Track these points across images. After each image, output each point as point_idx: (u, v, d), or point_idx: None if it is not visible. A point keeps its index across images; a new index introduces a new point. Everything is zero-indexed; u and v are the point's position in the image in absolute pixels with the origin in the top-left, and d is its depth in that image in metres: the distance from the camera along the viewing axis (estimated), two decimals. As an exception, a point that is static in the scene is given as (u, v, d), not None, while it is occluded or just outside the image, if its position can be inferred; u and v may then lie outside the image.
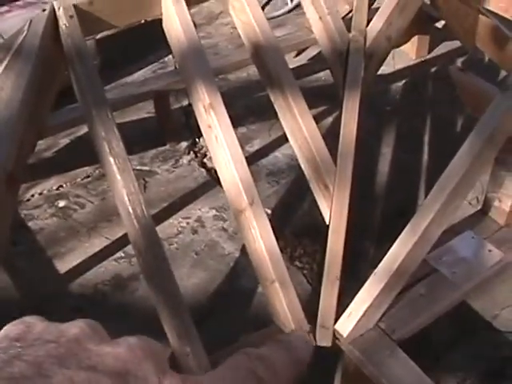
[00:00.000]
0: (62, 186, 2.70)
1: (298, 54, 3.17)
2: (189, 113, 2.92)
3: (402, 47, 3.32)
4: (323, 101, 2.97)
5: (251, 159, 2.68)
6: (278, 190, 2.60)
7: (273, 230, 1.36)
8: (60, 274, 2.26)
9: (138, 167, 2.76)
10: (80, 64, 1.43)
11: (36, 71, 1.40)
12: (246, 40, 1.68)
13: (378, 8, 1.92)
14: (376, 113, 2.97)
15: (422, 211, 1.41)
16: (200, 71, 1.50)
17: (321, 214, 1.50)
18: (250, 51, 1.69)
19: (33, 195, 2.64)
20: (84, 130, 2.74)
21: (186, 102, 3.03)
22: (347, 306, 1.38)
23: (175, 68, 3.27)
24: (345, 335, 1.36)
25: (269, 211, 2.41)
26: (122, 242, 2.30)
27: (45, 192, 2.66)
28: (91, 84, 1.41)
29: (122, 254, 2.31)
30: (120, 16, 1.62)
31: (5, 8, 3.09)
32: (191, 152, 2.87)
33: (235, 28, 1.74)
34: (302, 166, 1.56)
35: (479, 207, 1.88)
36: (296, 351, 0.47)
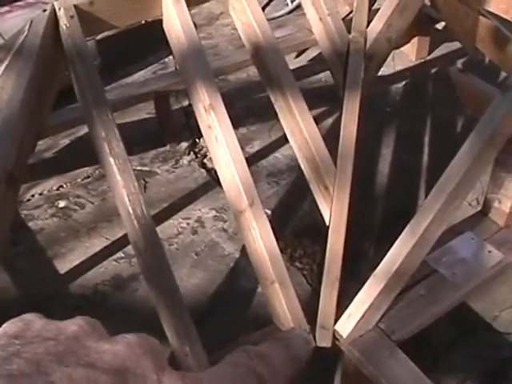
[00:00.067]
0: (62, 187, 2.70)
1: (298, 55, 3.17)
2: (189, 113, 2.93)
3: (402, 48, 3.33)
4: (323, 102, 2.97)
5: (251, 160, 2.69)
6: (278, 190, 2.60)
7: (273, 230, 1.36)
8: (60, 274, 2.26)
9: (138, 168, 2.76)
10: (80, 64, 1.43)
11: (36, 71, 1.40)
12: (247, 41, 1.68)
13: (379, 9, 1.92)
14: (376, 114, 2.97)
15: (421, 212, 1.41)
16: (200, 72, 1.50)
17: (321, 214, 1.50)
18: (250, 52, 1.69)
19: (33, 195, 2.64)
20: (84, 130, 2.74)
21: (186, 103, 3.04)
22: (347, 307, 1.38)
23: (175, 69, 3.27)
24: (345, 336, 1.36)
25: (269, 212, 2.41)
26: (122, 242, 2.30)
27: (45, 192, 2.66)
28: (91, 84, 1.41)
29: (122, 255, 2.31)
30: (120, 16, 1.62)
31: (5, 8, 3.09)
32: (191, 152, 2.87)
33: (235, 29, 1.74)
34: (302, 167, 1.56)
35: (479, 208, 1.88)
36: (295, 349, 0.47)
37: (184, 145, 2.91)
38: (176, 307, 1.20)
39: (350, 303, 1.38)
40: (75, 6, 1.51)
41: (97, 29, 1.64)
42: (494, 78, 2.73)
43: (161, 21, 1.65)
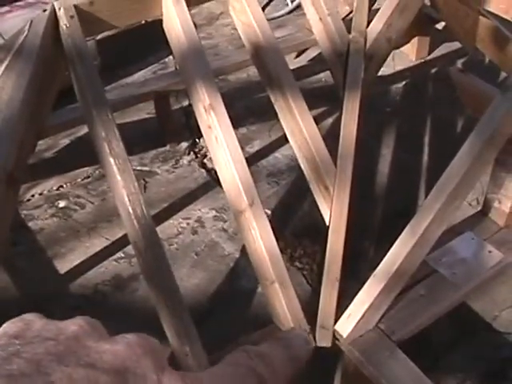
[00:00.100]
0: (62, 187, 2.70)
1: (298, 55, 3.17)
2: (189, 113, 2.93)
3: (402, 48, 3.33)
4: (323, 102, 2.97)
5: (251, 160, 2.69)
6: (278, 190, 2.60)
7: (273, 230, 1.36)
8: (60, 274, 2.26)
9: (138, 168, 2.76)
10: (80, 64, 1.43)
11: (37, 71, 1.40)
12: (247, 41, 1.68)
13: (379, 9, 1.92)
14: (376, 114, 2.97)
15: (421, 212, 1.41)
16: (200, 72, 1.50)
17: (321, 214, 1.50)
18: (250, 52, 1.69)
19: (33, 195, 2.64)
20: (84, 130, 2.74)
21: (186, 103, 3.04)
22: (347, 307, 1.38)
23: (175, 69, 3.27)
24: (344, 336, 1.36)
25: (269, 212, 2.41)
26: (122, 242, 2.30)
27: (45, 192, 2.66)
28: (91, 84, 1.41)
29: (122, 255, 2.31)
30: (120, 16, 1.62)
31: (5, 8, 3.09)
32: (191, 152, 2.87)
33: (235, 29, 1.74)
34: (302, 167, 1.56)
35: (479, 208, 1.88)
36: (295, 349, 0.47)
37: (184, 145, 2.91)
38: (176, 307, 1.20)
39: (350, 303, 1.38)
40: (75, 6, 1.51)
41: (97, 29, 1.64)
42: (494, 78, 2.73)
43: (161, 21, 1.65)
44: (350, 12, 2.38)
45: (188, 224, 2.46)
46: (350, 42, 1.80)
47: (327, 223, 1.46)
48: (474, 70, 2.44)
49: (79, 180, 2.73)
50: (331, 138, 1.62)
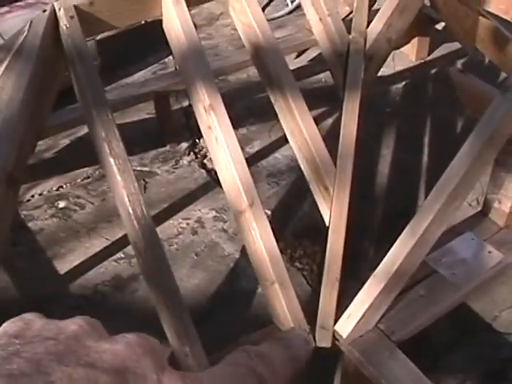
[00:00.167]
0: (62, 187, 2.70)
1: (298, 56, 3.17)
2: (189, 114, 2.93)
3: (402, 49, 3.33)
4: (323, 102, 2.97)
5: (251, 160, 2.69)
6: (278, 191, 2.60)
7: (273, 231, 1.36)
8: (60, 274, 2.26)
9: (138, 168, 2.76)
10: (80, 65, 1.43)
11: (36, 71, 1.40)
12: (247, 41, 1.68)
13: (378, 9, 1.92)
14: (376, 114, 2.97)
15: (421, 212, 1.41)
16: (200, 72, 1.50)
17: (321, 215, 1.50)
18: (250, 52, 1.69)
19: (33, 196, 2.64)
20: (84, 130, 2.74)
21: (186, 103, 3.04)
22: (347, 307, 1.38)
23: (175, 69, 3.27)
24: (344, 336, 1.36)
25: (269, 212, 2.41)
26: (122, 242, 2.30)
27: (45, 193, 2.66)
28: (91, 85, 1.41)
29: (122, 255, 2.31)
30: (120, 17, 1.62)
31: (5, 9, 3.09)
32: (191, 153, 2.87)
33: (235, 29, 1.74)
34: (302, 167, 1.56)
35: (479, 208, 1.88)
36: (295, 349, 0.47)
37: (184, 145, 2.91)
38: (176, 307, 1.20)
39: (349, 303, 1.38)
40: (75, 7, 1.51)
41: (97, 29, 1.64)
42: (493, 78, 2.73)
43: (161, 21, 1.65)
44: (350, 12, 2.38)
45: (188, 224, 2.46)
46: (350, 43, 1.80)
47: (327, 223, 1.46)
48: (474, 70, 2.44)
49: (79, 180, 2.73)
50: (331, 139, 1.62)
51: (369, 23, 1.88)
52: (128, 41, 3.41)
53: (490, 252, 1.69)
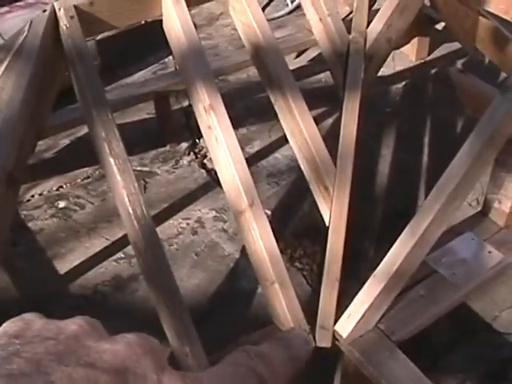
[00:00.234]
0: (62, 187, 2.70)
1: (298, 56, 3.17)
2: (189, 114, 2.93)
3: (402, 49, 3.33)
4: (323, 102, 2.97)
5: (251, 160, 2.69)
6: (278, 191, 2.60)
7: (273, 231, 1.36)
8: (60, 274, 2.26)
9: (138, 168, 2.76)
10: (80, 65, 1.43)
11: (36, 71, 1.40)
12: (247, 41, 1.68)
13: (378, 9, 1.92)
14: (376, 114, 2.97)
15: (421, 212, 1.41)
16: (200, 72, 1.50)
17: (321, 215, 1.50)
18: (250, 52, 1.69)
19: (33, 196, 2.64)
20: (84, 130, 2.74)
21: (186, 103, 3.04)
22: (347, 307, 1.38)
23: (175, 69, 3.27)
24: (344, 336, 1.36)
25: (269, 212, 2.41)
26: (122, 242, 2.30)
27: (45, 193, 2.66)
28: (91, 85, 1.41)
29: (122, 255, 2.31)
30: (120, 17, 1.62)
31: (5, 9, 3.09)
32: (191, 153, 2.87)
33: (235, 29, 1.74)
34: (302, 167, 1.56)
35: (479, 208, 1.88)
36: (295, 349, 0.47)
37: (184, 145, 2.91)
38: (176, 307, 1.20)
39: (349, 303, 1.38)
40: (75, 7, 1.51)
41: (97, 29, 1.64)
42: (493, 78, 2.73)
43: (161, 21, 1.65)
44: (350, 12, 2.38)
45: (188, 224, 2.46)
46: (350, 43, 1.80)
47: (327, 223, 1.46)
48: (474, 70, 2.44)
49: (79, 180, 2.73)
50: (331, 139, 1.62)
51: (369, 23, 1.88)
52: (128, 41, 3.41)
53: (490, 252, 1.69)
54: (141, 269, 1.29)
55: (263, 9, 3.73)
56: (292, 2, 4.17)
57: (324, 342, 1.35)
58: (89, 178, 2.74)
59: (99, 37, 2.98)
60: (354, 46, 1.79)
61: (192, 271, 2.24)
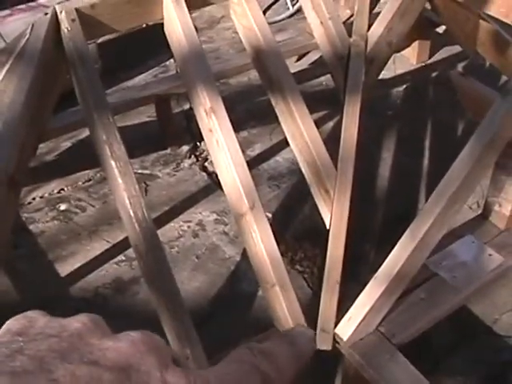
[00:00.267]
0: (63, 190, 2.70)
1: (299, 59, 3.17)
2: (190, 117, 2.93)
3: (403, 52, 3.33)
4: (324, 105, 2.97)
5: (252, 163, 2.69)
6: (279, 194, 2.60)
7: (273, 233, 1.36)
8: (61, 276, 2.26)
9: (139, 171, 2.76)
10: (82, 67, 1.44)
11: (38, 74, 1.40)
12: (248, 44, 1.69)
13: (379, 13, 1.92)
14: (377, 117, 2.97)
15: (422, 215, 1.41)
16: (201, 75, 1.51)
17: (321, 218, 1.50)
18: (251, 56, 1.69)
19: (34, 198, 2.64)
20: (85, 133, 2.74)
21: (187, 106, 3.04)
22: (347, 310, 1.39)
23: (176, 72, 3.27)
24: (345, 339, 1.36)
25: (269, 215, 2.41)
26: (123, 245, 2.30)
27: (46, 195, 2.66)
28: (93, 87, 1.42)
29: (123, 258, 2.31)
30: (122, 20, 1.63)
31: (7, 11, 3.09)
32: (192, 156, 2.87)
33: (237, 32, 1.75)
34: (303, 170, 1.56)
35: (479, 212, 1.89)
36: (299, 346, 0.47)
37: (185, 148, 2.91)
38: (177, 310, 1.21)
39: (350, 306, 1.39)
40: (76, 10, 1.52)
41: (98, 32, 1.65)
42: (494, 81, 2.73)
43: (162, 24, 1.66)
44: (351, 16, 2.38)
45: (189, 227, 2.46)
46: (351, 46, 1.81)
47: (328, 226, 1.46)
48: (475, 73, 2.44)
49: (80, 183, 2.73)
50: (332, 142, 1.62)
51: (370, 26, 1.89)
52: (129, 44, 3.42)
53: (490, 255, 1.69)
54: (142, 271, 1.29)
55: (264, 12, 3.73)
56: (293, 6, 4.18)
57: (324, 344, 1.35)
58: (90, 180, 2.74)
59: (100, 40, 2.98)
60: (354, 49, 1.79)
61: (193, 274, 2.24)
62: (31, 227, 2.49)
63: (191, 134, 2.94)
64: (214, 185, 2.63)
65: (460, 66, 3.38)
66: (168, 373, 0.36)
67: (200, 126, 1.50)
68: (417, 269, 1.43)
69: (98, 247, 2.38)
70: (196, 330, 1.19)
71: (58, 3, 1.53)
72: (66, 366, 0.33)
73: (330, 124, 2.93)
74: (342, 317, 1.38)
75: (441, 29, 3.23)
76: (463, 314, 1.90)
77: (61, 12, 1.50)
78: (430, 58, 3.52)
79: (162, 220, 2.47)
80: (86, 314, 0.39)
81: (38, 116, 1.45)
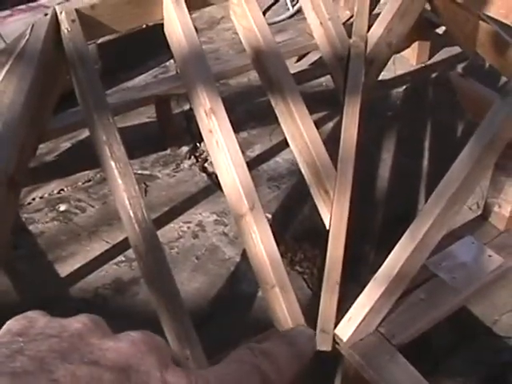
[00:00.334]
0: (63, 190, 2.70)
1: (299, 60, 3.17)
2: (190, 117, 2.93)
3: (403, 53, 3.33)
4: (324, 106, 2.97)
5: (252, 164, 2.69)
6: (279, 194, 2.60)
7: (273, 234, 1.36)
8: (61, 277, 2.26)
9: (139, 171, 2.76)
10: (82, 68, 1.44)
11: (38, 75, 1.40)
12: (247, 45, 1.69)
13: (379, 14, 1.92)
14: (377, 118, 2.97)
15: (421, 216, 1.41)
16: (201, 76, 1.51)
17: (321, 218, 1.50)
18: (251, 56, 1.69)
19: (34, 199, 2.64)
20: (85, 133, 2.74)
21: (187, 107, 3.04)
22: (347, 311, 1.39)
23: (176, 73, 3.27)
24: (345, 340, 1.36)
25: (269, 216, 2.41)
26: (123, 245, 2.30)
27: (46, 196, 2.66)
28: (92, 88, 1.42)
29: (123, 258, 2.31)
30: (122, 21, 1.63)
31: (7, 12, 3.09)
32: (192, 157, 2.87)
33: (236, 33, 1.75)
34: (303, 171, 1.56)
35: (479, 212, 1.89)
36: (299, 346, 0.47)
37: (185, 149, 2.91)
38: (177, 311, 1.21)
39: (350, 307, 1.39)
40: (76, 10, 1.52)
41: (98, 33, 1.65)
42: (494, 82, 2.73)
43: (162, 25, 1.66)
44: (351, 17, 2.39)
45: (189, 228, 2.46)
46: (351, 47, 1.81)
47: (327, 227, 1.46)
48: (475, 74, 2.44)
49: (80, 183, 2.73)
50: (332, 142, 1.62)
51: (369, 27, 1.89)
52: (129, 44, 3.41)
53: (490, 256, 1.69)
54: (141, 272, 1.29)
55: (264, 13, 3.73)
56: (293, 6, 4.18)
57: (324, 345, 1.36)
58: (90, 181, 2.74)
59: (100, 40, 2.98)
60: (354, 50, 1.79)
61: (193, 275, 2.24)
62: (31, 228, 2.49)
63: (191, 134, 2.94)
64: (213, 185, 2.63)
65: (460, 67, 3.38)
66: (168, 373, 0.36)
67: (200, 127, 1.50)
68: (416, 269, 1.43)
69: (97, 248, 2.38)
70: (196, 330, 1.19)
71: (58, 4, 1.53)
72: (66, 366, 0.33)
73: (330, 125, 2.93)
74: (342, 317, 1.38)
75: (440, 30, 3.23)
76: (463, 314, 1.90)
77: (61, 13, 1.50)
78: (429, 59, 3.52)
79: (162, 221, 2.47)
80: (86, 314, 0.39)
81: (37, 117, 1.45)
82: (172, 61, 3.48)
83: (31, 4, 3.17)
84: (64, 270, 2.29)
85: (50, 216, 2.55)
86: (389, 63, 2.02)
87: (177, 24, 1.56)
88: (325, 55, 1.86)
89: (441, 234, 1.43)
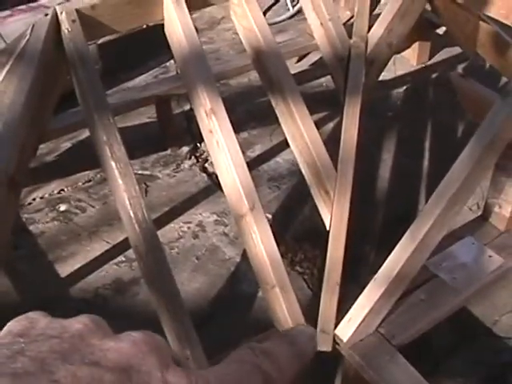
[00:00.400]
0: (63, 190, 2.70)
1: (299, 60, 3.18)
2: (190, 118, 2.93)
3: (403, 53, 3.33)
4: (324, 106, 2.97)
5: (252, 164, 2.69)
6: (279, 195, 2.60)
7: (273, 234, 1.36)
8: (61, 277, 2.26)
9: (140, 172, 2.76)
10: (82, 68, 1.44)
11: (38, 75, 1.40)
12: (248, 45, 1.69)
13: (380, 14, 1.92)
14: (377, 118, 2.97)
15: (422, 217, 1.41)
16: (201, 76, 1.51)
17: (321, 219, 1.50)
18: (251, 57, 1.69)
19: (34, 199, 2.64)
20: (86, 134, 2.74)
21: (187, 107, 3.04)
22: (347, 311, 1.39)
23: (177, 73, 3.27)
24: (345, 340, 1.36)
25: (269, 216, 2.41)
26: (123, 246, 2.30)
27: (46, 196, 2.66)
28: (93, 88, 1.42)
29: (123, 258, 2.31)
30: (122, 21, 1.63)
31: (7, 12, 3.09)
32: (192, 157, 2.87)
33: (237, 33, 1.75)
34: (303, 171, 1.56)
35: (479, 213, 1.89)
36: (300, 345, 0.47)
37: (185, 149, 2.91)
38: (177, 311, 1.20)
39: (350, 307, 1.39)
40: (77, 11, 1.52)
41: (98, 33, 1.65)
42: (494, 83, 2.73)
43: (162, 25, 1.66)
44: (351, 17, 2.39)
45: (189, 228, 2.46)
46: (351, 47, 1.81)
47: (328, 227, 1.46)
48: (475, 74, 2.44)
49: (80, 184, 2.73)
50: (332, 143, 1.63)
51: (370, 28, 1.89)
52: (129, 45, 3.42)
53: (490, 256, 1.69)
54: (142, 272, 1.29)
55: (264, 13, 3.73)
56: (293, 7, 4.18)
57: (324, 345, 1.35)
58: (90, 181, 2.74)
59: (101, 41, 2.98)
60: (354, 50, 1.79)
61: (193, 275, 2.24)
62: (31, 228, 2.49)
63: (191, 134, 2.94)
64: (214, 186, 2.63)
65: (460, 68, 3.38)
66: (169, 373, 0.36)
67: (200, 127, 1.50)
68: (417, 270, 1.43)
69: (98, 248, 2.38)
70: (196, 330, 1.19)
71: (59, 4, 1.53)
72: (67, 366, 0.33)
73: (330, 125, 2.93)
74: (342, 318, 1.38)
75: (441, 30, 3.24)
76: (463, 315, 1.90)
77: (61, 13, 1.50)
78: (430, 60, 3.53)
79: (162, 221, 2.47)
80: (87, 314, 0.39)
81: (38, 117, 1.45)
82: (172, 61, 3.48)
83: (31, 4, 3.17)
84: (64, 270, 2.29)
85: (50, 216, 2.55)
86: (389, 63, 2.02)
87: (177, 24, 1.56)
88: (325, 56, 1.86)
89: (441, 234, 1.43)
